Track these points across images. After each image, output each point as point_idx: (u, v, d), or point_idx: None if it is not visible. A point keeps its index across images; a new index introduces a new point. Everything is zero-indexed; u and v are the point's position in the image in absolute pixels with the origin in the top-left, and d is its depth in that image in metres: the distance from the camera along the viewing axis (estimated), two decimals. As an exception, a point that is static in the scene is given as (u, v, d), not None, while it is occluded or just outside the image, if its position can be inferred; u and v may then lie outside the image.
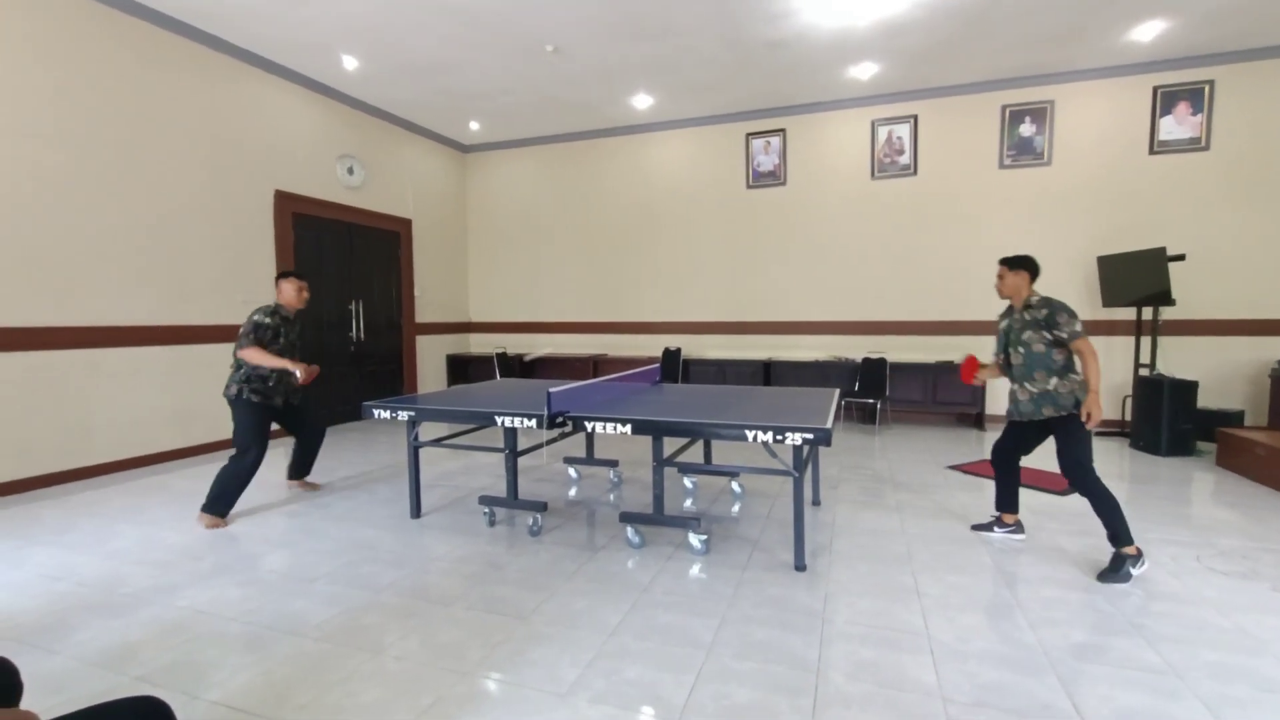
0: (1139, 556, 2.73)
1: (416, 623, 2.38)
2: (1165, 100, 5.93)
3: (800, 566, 2.86)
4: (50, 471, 4.36)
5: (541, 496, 4.04)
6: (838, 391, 3.86)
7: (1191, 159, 5.91)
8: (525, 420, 3.06)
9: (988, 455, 5.15)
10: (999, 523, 3.28)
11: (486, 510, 3.54)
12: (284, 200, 6.03)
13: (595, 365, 7.79)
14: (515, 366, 8.08)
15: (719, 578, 2.78)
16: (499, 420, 3.15)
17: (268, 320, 3.64)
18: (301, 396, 3.98)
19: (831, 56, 5.75)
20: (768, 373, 7.05)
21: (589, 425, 2.98)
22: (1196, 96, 5.84)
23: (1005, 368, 3.17)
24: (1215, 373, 5.90)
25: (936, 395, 6.52)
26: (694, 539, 3.10)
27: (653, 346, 7.90)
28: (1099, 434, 5.85)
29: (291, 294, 3.80)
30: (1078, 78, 6.11)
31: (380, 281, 7.32)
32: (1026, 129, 6.34)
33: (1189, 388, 5.12)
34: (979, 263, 6.56)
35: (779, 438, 2.68)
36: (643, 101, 6.88)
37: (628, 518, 3.19)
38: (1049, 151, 6.29)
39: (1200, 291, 5.87)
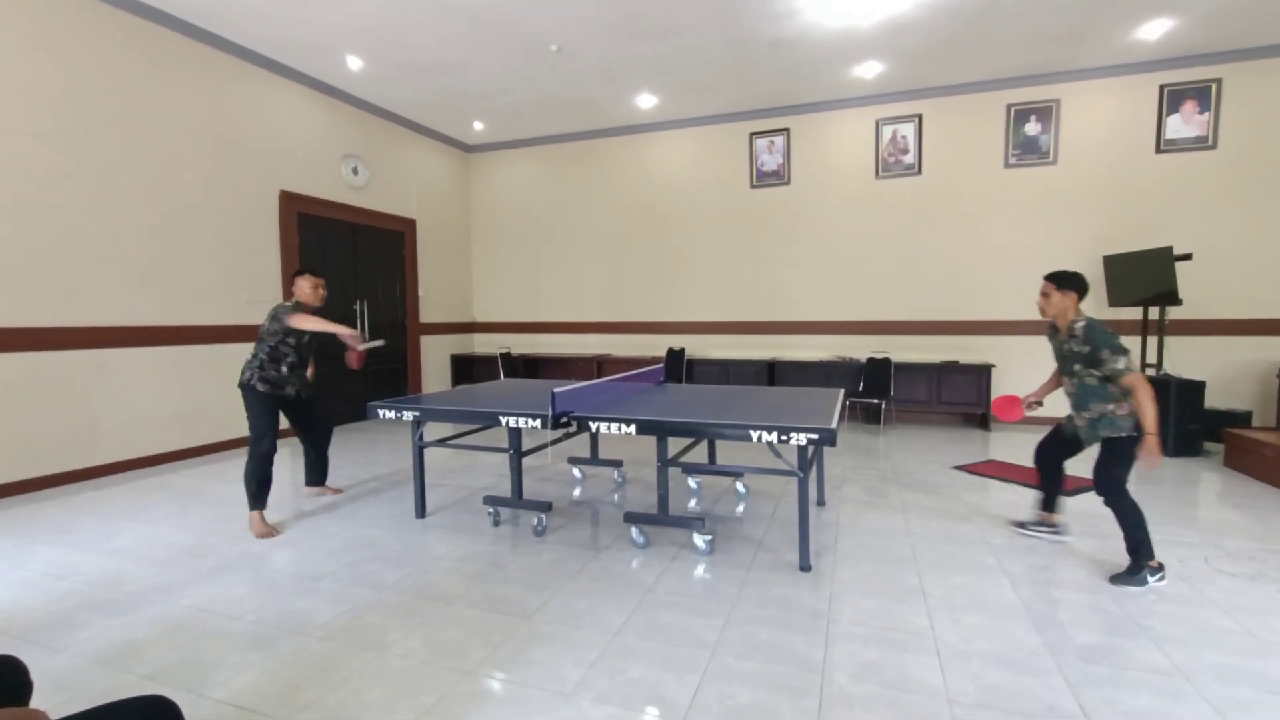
0: (1159, 569, 2.68)
1: (420, 622, 2.38)
2: (1172, 99, 5.90)
3: (805, 567, 2.85)
4: (55, 472, 4.38)
5: (546, 496, 4.04)
6: (842, 391, 3.85)
7: (1198, 158, 5.88)
8: (529, 420, 3.06)
9: (993, 456, 5.18)
10: (1041, 522, 3.24)
11: (491, 510, 3.54)
12: (288, 200, 6.05)
13: (599, 365, 7.79)
14: (519, 366, 8.09)
15: (723, 578, 2.78)
16: (503, 420, 3.15)
17: (293, 307, 3.59)
18: (312, 391, 3.92)
19: (835, 56, 5.73)
20: (772, 373, 7.04)
21: (593, 425, 2.98)
22: (1203, 95, 5.81)
23: (1067, 394, 3.03)
24: (1222, 373, 5.86)
25: (941, 395, 6.51)
26: (698, 539, 3.09)
27: (657, 346, 7.90)
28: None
29: (308, 291, 3.73)
30: (1083, 76, 6.09)
31: (384, 282, 7.34)
32: (1032, 128, 6.31)
33: (1196, 388, 5.09)
34: (984, 262, 6.55)
35: (783, 438, 2.67)
36: (646, 101, 6.88)
37: (632, 518, 3.19)
38: (1054, 151, 6.27)
39: (1207, 291, 5.84)
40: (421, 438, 3.58)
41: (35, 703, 1.46)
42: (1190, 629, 2.29)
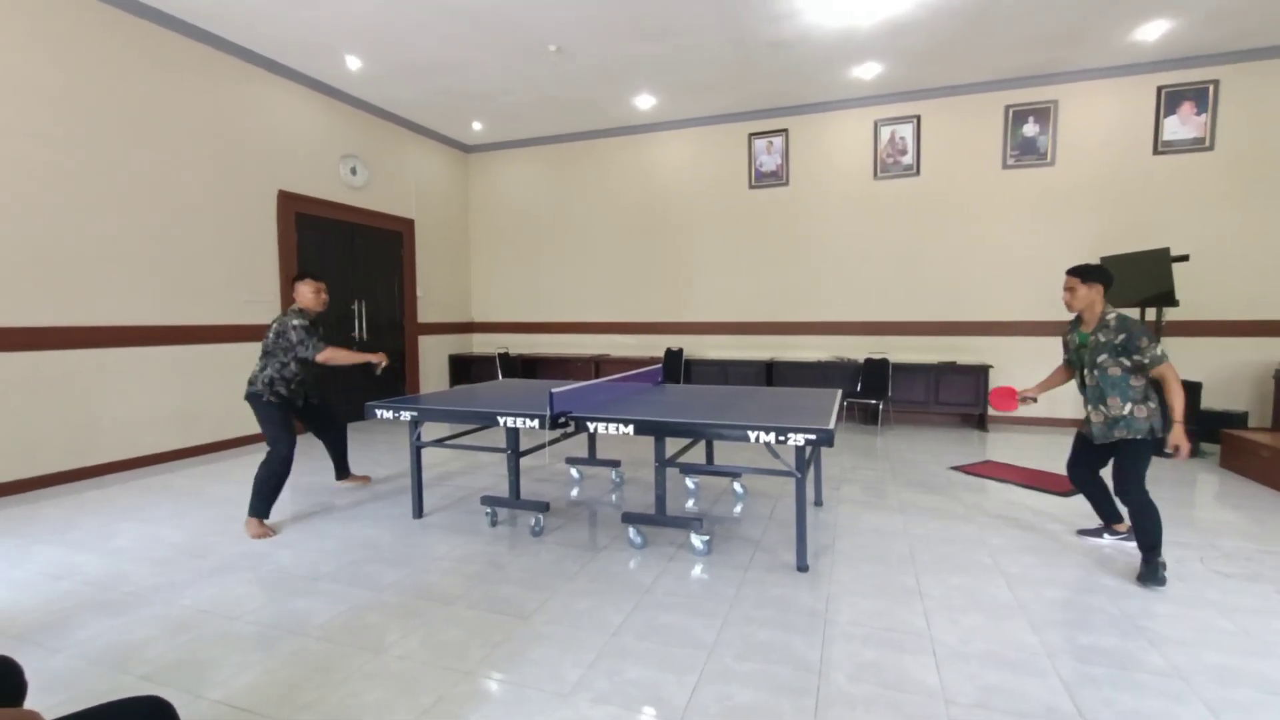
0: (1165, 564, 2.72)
1: (419, 622, 2.38)
2: (1169, 100, 5.92)
3: (802, 567, 2.86)
4: (54, 471, 4.38)
5: (543, 497, 4.05)
6: (840, 392, 3.85)
7: (1196, 159, 5.90)
8: (527, 421, 3.06)
9: (990, 456, 5.19)
10: (1108, 529, 3.20)
11: (488, 510, 3.54)
12: (287, 200, 6.05)
13: (597, 365, 7.79)
14: (517, 367, 8.09)
15: (721, 578, 2.78)
16: (501, 420, 3.15)
17: (307, 324, 3.54)
18: (321, 395, 3.95)
19: (834, 56, 5.74)
20: (770, 373, 7.05)
21: (591, 426, 2.98)
22: (1201, 96, 5.83)
23: (1080, 386, 3.04)
24: (1219, 374, 5.88)
25: (939, 396, 6.51)
26: (696, 540, 3.10)
27: (655, 347, 7.90)
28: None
29: (310, 297, 3.68)
30: (1081, 77, 6.10)
31: (383, 282, 7.33)
32: (1030, 129, 6.32)
33: (1193, 389, 5.11)
34: (982, 263, 6.56)
35: (781, 438, 2.67)
36: (645, 101, 6.88)
37: (630, 518, 3.19)
38: (1052, 152, 6.28)
39: (1204, 292, 5.86)
40: (419, 438, 3.58)
41: (31, 703, 1.46)
42: (1188, 630, 2.30)
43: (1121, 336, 2.79)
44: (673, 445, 4.05)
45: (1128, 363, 2.79)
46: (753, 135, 7.29)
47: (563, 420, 2.99)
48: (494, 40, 5.37)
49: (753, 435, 2.72)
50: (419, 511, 3.65)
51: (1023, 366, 6.42)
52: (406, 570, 2.89)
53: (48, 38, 4.31)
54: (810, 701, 1.87)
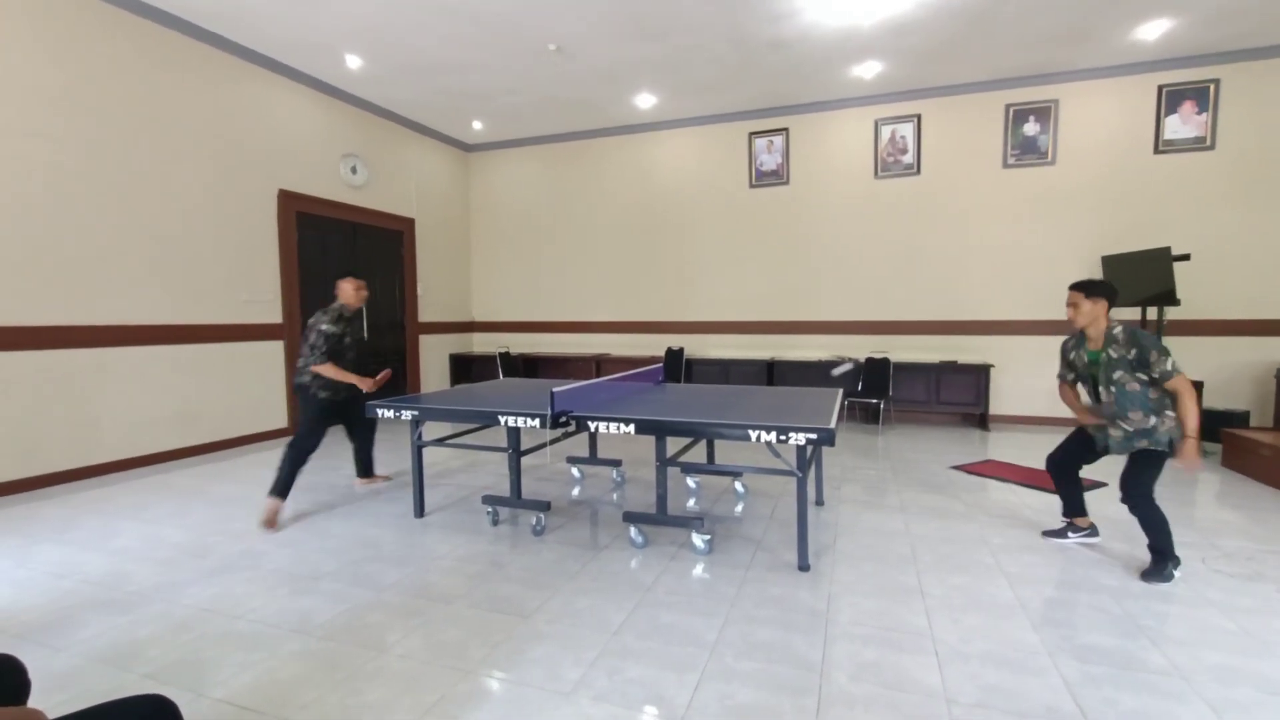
0: (1177, 561, 2.75)
1: (420, 621, 2.39)
2: (1170, 99, 5.91)
3: (803, 566, 2.86)
4: (56, 470, 4.38)
5: (544, 496, 4.05)
6: (841, 391, 3.85)
7: (1197, 158, 5.89)
8: (528, 420, 3.07)
9: (992, 455, 5.19)
10: (1072, 527, 3.20)
11: (489, 509, 3.55)
12: (288, 199, 6.05)
13: (598, 365, 7.79)
14: (518, 366, 8.09)
15: (722, 577, 2.78)
16: (502, 420, 3.15)
17: (335, 329, 3.74)
18: (358, 393, 4.03)
19: (835, 56, 5.74)
20: (771, 372, 7.05)
21: (592, 425, 2.98)
22: (1202, 95, 5.82)
23: (1093, 400, 2.97)
24: (1220, 373, 5.88)
25: (940, 395, 6.51)
26: (697, 539, 3.10)
27: (656, 346, 7.90)
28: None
29: (350, 293, 3.93)
30: (1082, 77, 6.10)
31: (383, 281, 7.33)
32: (1030, 128, 6.32)
33: (1194, 388, 5.09)
34: (982, 262, 6.55)
35: (782, 438, 2.68)
36: (646, 101, 6.88)
37: (631, 517, 3.20)
38: (1053, 151, 6.27)
39: (1205, 291, 5.85)
40: (420, 437, 3.59)
41: (34, 702, 1.46)
42: (1189, 629, 2.30)
43: (1134, 351, 2.75)
44: (674, 444, 4.05)
45: (1144, 377, 2.75)
46: (753, 134, 7.28)
47: (564, 419, 2.99)
48: (494, 40, 5.37)
49: (754, 434, 2.72)
50: (420, 511, 3.66)
51: (1023, 366, 6.42)
52: (408, 569, 2.89)
53: (49, 37, 4.31)
54: (811, 701, 1.88)
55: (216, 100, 5.40)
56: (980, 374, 6.34)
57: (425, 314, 8.02)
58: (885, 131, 6.79)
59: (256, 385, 5.80)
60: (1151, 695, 1.90)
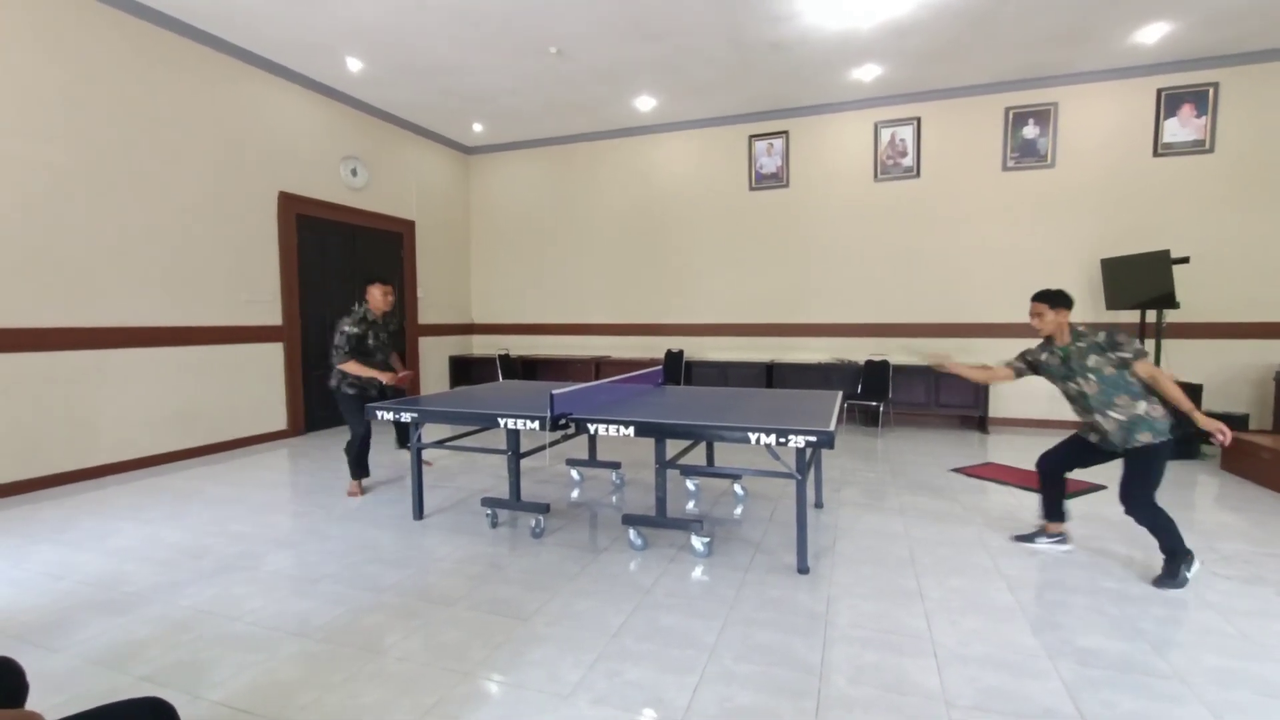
0: (1191, 558, 2.70)
1: (419, 623, 2.38)
2: (1169, 102, 5.92)
3: (803, 569, 2.86)
4: (54, 471, 4.38)
5: (544, 498, 4.04)
6: (840, 394, 3.85)
7: (1196, 161, 5.90)
8: (528, 422, 3.07)
9: (991, 459, 5.19)
10: (1043, 532, 3.19)
11: (489, 511, 3.55)
12: (288, 201, 6.05)
13: (598, 367, 7.79)
14: (518, 368, 8.09)
15: (721, 580, 2.78)
16: (502, 422, 3.15)
17: (356, 330, 4.00)
18: (394, 392, 4.33)
19: (835, 58, 5.75)
20: (770, 375, 7.05)
21: (592, 427, 2.98)
22: (1201, 99, 5.83)
23: (1074, 401, 2.99)
24: (1219, 376, 5.88)
25: (939, 398, 6.52)
26: (696, 541, 3.10)
27: (655, 348, 7.90)
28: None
29: (377, 297, 4.14)
30: (1081, 80, 6.11)
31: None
32: (1030, 131, 6.33)
33: (1193, 391, 5.11)
34: (982, 265, 6.56)
35: (782, 440, 2.68)
36: (646, 103, 6.89)
37: (630, 520, 3.19)
38: (1052, 154, 6.28)
39: (1204, 294, 5.86)
40: (419, 439, 3.59)
41: (32, 704, 1.45)
42: (1187, 632, 2.30)
43: (1102, 334, 2.84)
44: (673, 447, 4.04)
45: (1114, 357, 2.80)
46: (753, 137, 7.29)
47: (563, 422, 2.99)
48: (495, 42, 5.37)
49: (753, 437, 2.72)
50: (419, 513, 3.65)
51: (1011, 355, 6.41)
52: (407, 571, 2.89)
53: (49, 39, 4.31)
54: (810, 704, 1.87)
55: (216, 102, 5.41)
56: (980, 376, 6.33)
57: (425, 316, 8.02)
58: (885, 134, 6.80)
59: (256, 387, 5.80)
60: (1150, 698, 1.90)
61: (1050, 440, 5.81)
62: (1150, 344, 5.86)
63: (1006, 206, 6.46)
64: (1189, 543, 3.18)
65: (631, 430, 2.90)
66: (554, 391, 3.09)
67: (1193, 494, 4.16)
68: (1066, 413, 6.39)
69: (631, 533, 3.19)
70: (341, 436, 6.10)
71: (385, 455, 5.24)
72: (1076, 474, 3.81)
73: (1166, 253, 5.25)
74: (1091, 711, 1.83)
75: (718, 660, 2.11)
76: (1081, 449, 3.04)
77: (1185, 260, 5.40)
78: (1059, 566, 2.91)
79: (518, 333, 8.71)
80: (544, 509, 3.39)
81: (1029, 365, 3.12)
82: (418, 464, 3.62)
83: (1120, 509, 2.80)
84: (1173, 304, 5.27)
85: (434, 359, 8.23)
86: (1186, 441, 5.08)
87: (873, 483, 4.45)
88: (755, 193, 7.36)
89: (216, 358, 5.43)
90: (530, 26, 5.10)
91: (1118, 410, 2.81)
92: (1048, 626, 2.34)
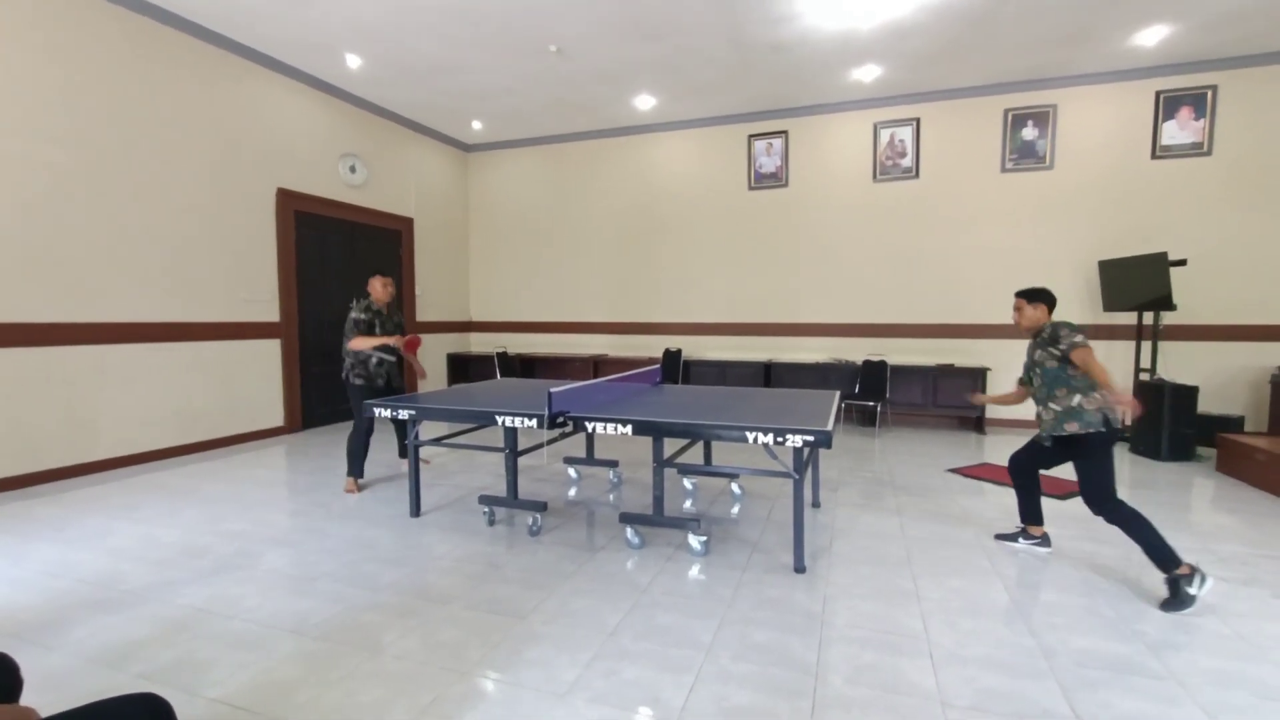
0: (1194, 574, 2.50)
1: (416, 622, 2.38)
2: (1168, 105, 5.93)
3: (800, 568, 2.86)
4: (52, 468, 4.37)
5: (541, 496, 4.05)
6: (838, 394, 3.86)
7: (1194, 164, 5.91)
8: (525, 420, 3.06)
9: (988, 459, 5.20)
10: (1024, 534, 3.20)
11: (486, 510, 3.54)
12: (286, 198, 6.04)
13: (596, 366, 7.79)
14: (516, 366, 8.09)
15: (718, 579, 2.78)
16: (499, 420, 3.15)
17: (362, 316, 4.17)
18: (401, 381, 4.45)
19: (834, 59, 5.75)
20: (768, 374, 7.05)
21: (589, 425, 2.98)
22: (1199, 101, 5.85)
23: (1036, 398, 3.03)
24: (1216, 378, 5.89)
25: (937, 398, 6.53)
26: (693, 540, 3.10)
27: (653, 347, 7.90)
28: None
29: (378, 288, 4.28)
30: (1080, 82, 6.12)
31: (382, 280, 7.32)
32: (1029, 133, 6.34)
33: (1189, 393, 5.12)
34: (980, 266, 6.57)
35: (779, 439, 2.68)
36: (645, 102, 6.88)
37: (627, 518, 3.20)
38: (1051, 155, 6.29)
39: (1201, 296, 5.87)
40: (417, 436, 3.58)
41: (27, 701, 1.45)
42: (1183, 634, 2.31)
43: (1049, 330, 2.93)
44: (671, 446, 4.04)
45: (1055, 352, 2.86)
46: (752, 137, 7.29)
47: (561, 420, 2.99)
48: (494, 40, 5.37)
49: (751, 436, 2.72)
50: (417, 511, 3.65)
51: (1019, 369, 6.38)
52: (404, 570, 2.89)
53: (47, 35, 4.29)
54: (807, 703, 1.88)
55: (215, 99, 5.39)
56: (977, 377, 6.35)
57: (423, 314, 8.01)
58: (884, 135, 6.81)
59: (254, 384, 5.79)
60: (1146, 699, 1.90)
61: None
62: (1147, 346, 5.88)
63: (1005, 208, 6.47)
64: (1185, 544, 3.21)
65: (629, 429, 2.90)
66: (552, 389, 3.09)
67: (1189, 496, 4.17)
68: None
69: (629, 531, 3.19)
70: (341, 433, 6.10)
71: (387, 454, 5.23)
72: (1068, 476, 3.82)
73: (1164, 255, 5.26)
74: (1088, 712, 1.84)
75: (714, 659, 2.12)
76: (1037, 450, 3.07)
77: (1183, 263, 5.42)
78: (1056, 567, 2.92)
79: (516, 331, 8.70)
80: (541, 507, 3.39)
81: (1025, 370, 3.14)
82: (415, 462, 3.62)
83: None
84: (1170, 306, 5.29)
85: (432, 357, 8.22)
86: (1182, 444, 5.09)
87: (870, 483, 4.46)
88: (754, 192, 7.36)
89: (215, 354, 5.42)
90: (530, 26, 5.09)
91: (1056, 402, 2.88)
92: (1045, 627, 2.35)
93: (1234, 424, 5.37)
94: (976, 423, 6.55)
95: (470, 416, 3.27)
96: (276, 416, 6.03)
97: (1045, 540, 3.16)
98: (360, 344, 4.08)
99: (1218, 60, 5.72)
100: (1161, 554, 2.57)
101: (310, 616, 2.43)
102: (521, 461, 4.77)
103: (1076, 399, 2.81)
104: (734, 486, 4.20)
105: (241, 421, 5.68)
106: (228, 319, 5.52)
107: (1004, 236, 6.48)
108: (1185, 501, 4.03)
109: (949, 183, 6.64)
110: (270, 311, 5.91)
